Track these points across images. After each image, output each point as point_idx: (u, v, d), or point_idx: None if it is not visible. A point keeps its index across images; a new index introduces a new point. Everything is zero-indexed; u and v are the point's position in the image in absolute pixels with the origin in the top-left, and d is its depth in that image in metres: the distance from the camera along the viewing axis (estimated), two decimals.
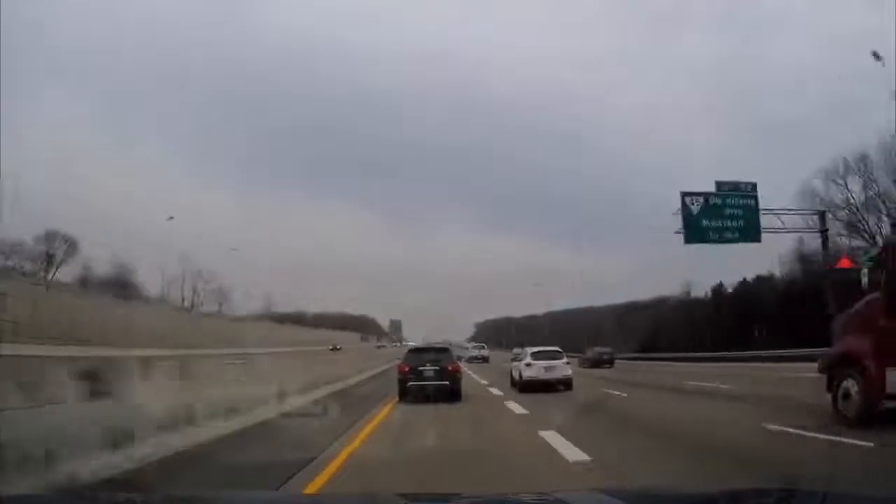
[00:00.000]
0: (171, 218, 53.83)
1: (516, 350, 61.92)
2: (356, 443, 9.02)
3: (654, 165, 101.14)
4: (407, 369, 15.89)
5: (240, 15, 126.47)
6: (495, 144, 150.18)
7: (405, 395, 15.50)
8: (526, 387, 18.34)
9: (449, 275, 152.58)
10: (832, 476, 5.53)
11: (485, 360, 49.38)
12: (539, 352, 19.91)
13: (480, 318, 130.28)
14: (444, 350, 17.75)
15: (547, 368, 18.70)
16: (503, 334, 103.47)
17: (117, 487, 5.60)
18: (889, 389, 8.49)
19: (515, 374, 20.16)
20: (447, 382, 15.57)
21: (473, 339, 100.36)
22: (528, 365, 18.90)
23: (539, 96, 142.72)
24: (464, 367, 33.37)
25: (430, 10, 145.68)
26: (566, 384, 18.55)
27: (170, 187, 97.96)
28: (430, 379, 15.54)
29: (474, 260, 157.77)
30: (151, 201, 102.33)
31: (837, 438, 8.05)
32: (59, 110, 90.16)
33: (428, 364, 15.78)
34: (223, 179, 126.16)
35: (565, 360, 19.38)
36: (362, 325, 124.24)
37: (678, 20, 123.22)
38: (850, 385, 9.10)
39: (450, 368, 15.90)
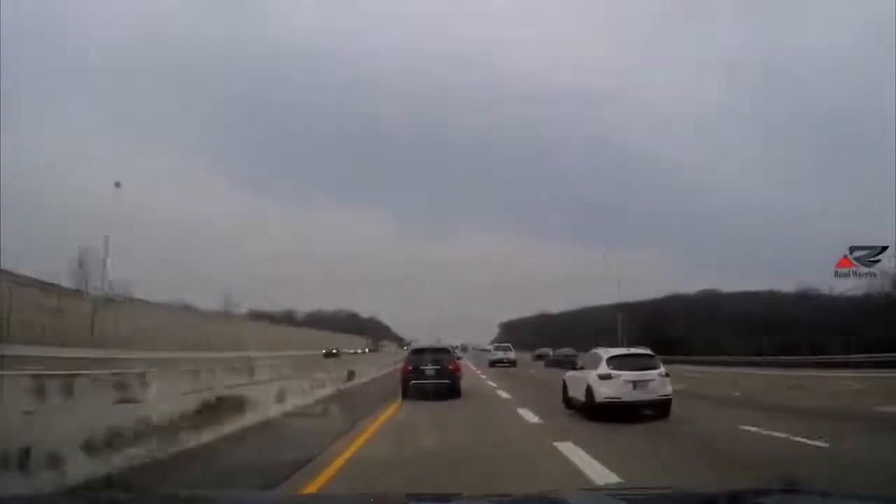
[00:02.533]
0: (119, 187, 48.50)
1: (540, 350, 56.21)
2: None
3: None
4: (410, 368, 16.77)
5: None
6: (520, 145, 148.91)
7: (408, 392, 16.31)
8: (600, 412, 11.80)
9: (470, 276, 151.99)
10: (832, 477, 5.52)
11: (511, 363, 42.18)
12: (622, 356, 12.75)
13: (506, 318, 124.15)
14: (444, 350, 18.53)
15: (637, 384, 11.87)
16: (531, 334, 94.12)
17: (118, 487, 5.59)
18: None
19: (576, 392, 13.24)
20: (447, 381, 16.48)
21: (498, 340, 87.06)
22: (603, 378, 12.04)
23: (563, 96, 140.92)
24: (483, 374, 29.96)
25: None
26: (661, 408, 11.97)
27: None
28: (431, 377, 16.47)
29: (498, 260, 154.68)
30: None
31: None
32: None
33: (430, 364, 16.69)
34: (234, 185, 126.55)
35: (663, 369, 12.30)
36: (368, 328, 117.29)
37: None
38: None
39: (450, 368, 16.78)
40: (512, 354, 45.87)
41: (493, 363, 42.02)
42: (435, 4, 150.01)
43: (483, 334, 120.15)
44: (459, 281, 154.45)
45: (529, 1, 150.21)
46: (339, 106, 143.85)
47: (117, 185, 42.14)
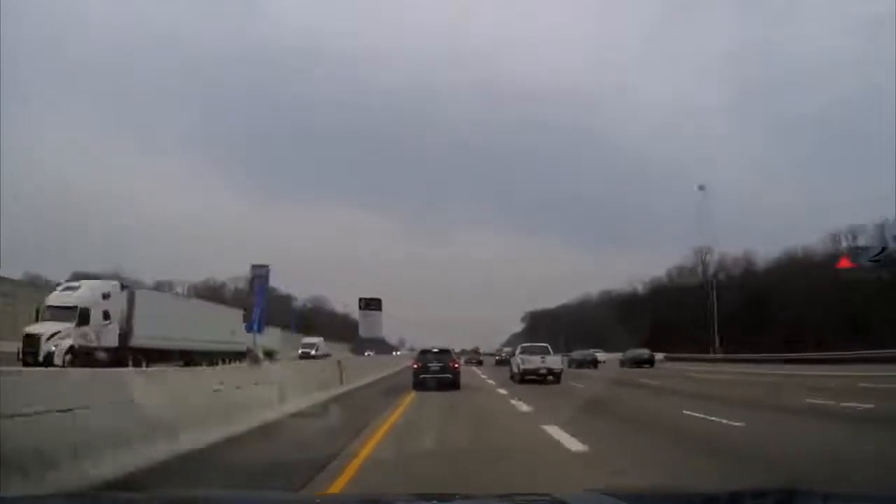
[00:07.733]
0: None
1: (574, 353, 47.20)
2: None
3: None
4: (419, 365, 21.28)
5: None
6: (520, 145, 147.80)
7: (418, 384, 20.39)
8: None
9: (469, 276, 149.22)
10: (832, 476, 5.53)
11: (552, 375, 24.64)
12: None
13: (532, 308, 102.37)
14: (446, 351, 22.40)
15: None
16: (565, 328, 74.60)
17: (119, 487, 5.60)
18: None
19: None
20: (449, 375, 20.66)
21: (524, 337, 59.40)
22: None
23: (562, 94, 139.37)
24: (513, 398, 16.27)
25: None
26: None
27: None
28: (436, 372, 20.65)
29: (505, 258, 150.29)
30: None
31: None
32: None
33: (434, 361, 21.12)
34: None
35: None
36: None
37: None
38: None
39: (451, 365, 21.14)
40: (555, 361, 26.04)
41: (524, 377, 24.66)
42: (434, 4, 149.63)
43: (501, 330, 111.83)
44: (458, 281, 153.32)
45: (529, 1, 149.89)
46: (335, 103, 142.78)
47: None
